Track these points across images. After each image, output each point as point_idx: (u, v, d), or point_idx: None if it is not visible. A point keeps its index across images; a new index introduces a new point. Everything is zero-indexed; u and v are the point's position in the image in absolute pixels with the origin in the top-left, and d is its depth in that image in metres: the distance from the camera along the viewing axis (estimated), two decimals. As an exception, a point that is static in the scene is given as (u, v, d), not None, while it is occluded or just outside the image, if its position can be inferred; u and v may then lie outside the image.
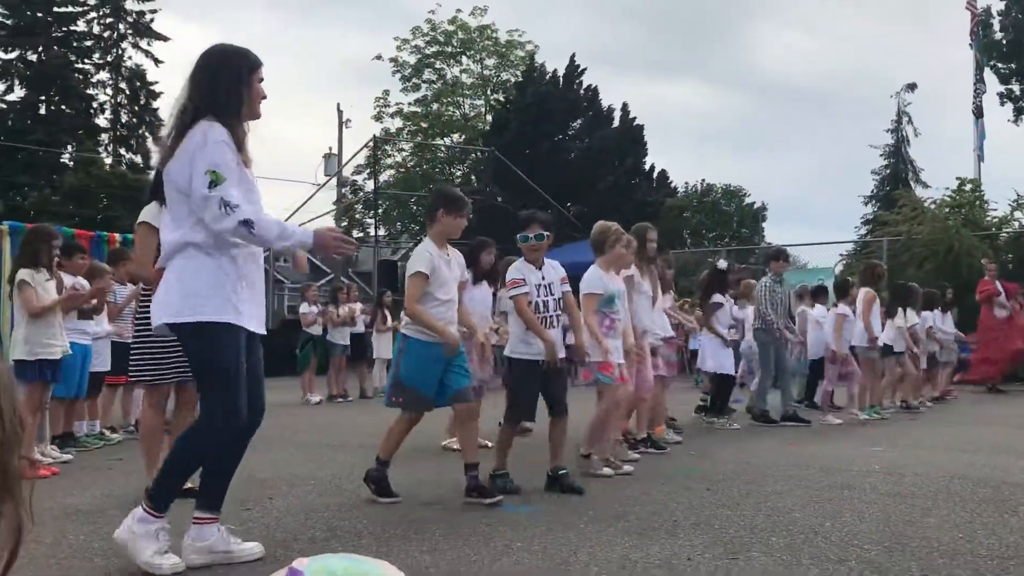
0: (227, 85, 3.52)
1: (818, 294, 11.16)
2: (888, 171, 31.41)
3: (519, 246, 5.37)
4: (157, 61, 33.90)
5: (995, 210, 19.21)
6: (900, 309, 9.99)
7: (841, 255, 21.44)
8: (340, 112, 32.06)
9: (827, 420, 8.90)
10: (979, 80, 24.21)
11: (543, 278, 5.27)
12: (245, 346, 3.55)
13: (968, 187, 19.44)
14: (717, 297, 8.56)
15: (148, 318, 3.95)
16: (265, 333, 3.79)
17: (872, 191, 31.27)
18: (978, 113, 23.66)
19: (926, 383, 11.36)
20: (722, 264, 9.60)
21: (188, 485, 4.45)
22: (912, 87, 31.38)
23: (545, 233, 5.28)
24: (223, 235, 3.40)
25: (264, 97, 3.65)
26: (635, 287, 6.65)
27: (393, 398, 4.87)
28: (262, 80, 3.65)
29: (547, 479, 5.20)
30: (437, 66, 34.59)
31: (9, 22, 31.94)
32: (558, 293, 5.29)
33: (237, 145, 3.48)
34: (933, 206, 18.95)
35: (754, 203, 29.78)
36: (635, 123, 28.83)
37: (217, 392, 3.49)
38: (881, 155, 31.72)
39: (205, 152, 3.37)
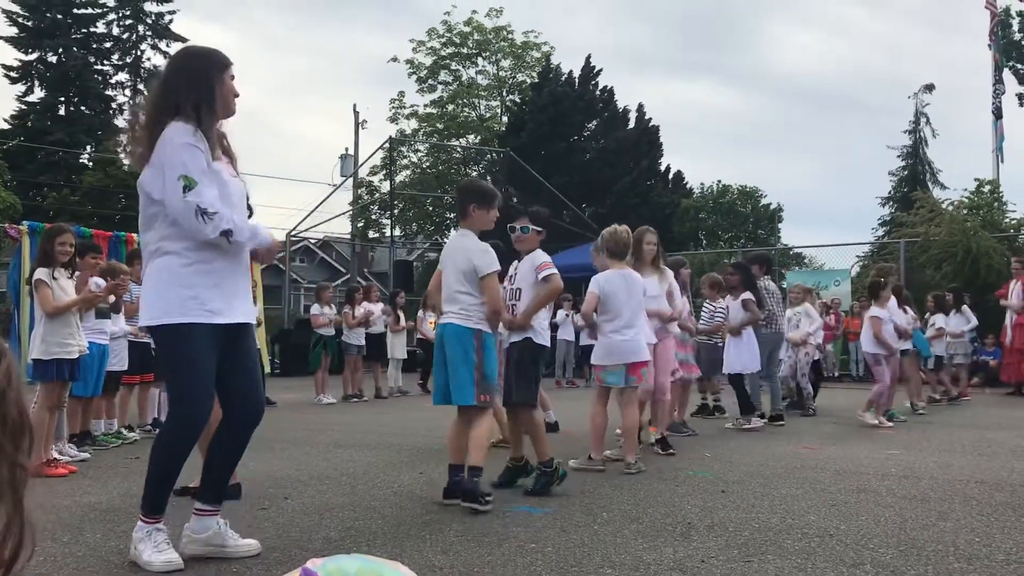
0: (198, 85, 3.55)
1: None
2: (906, 172, 31.20)
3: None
4: (175, 62, 34.04)
5: (1014, 211, 19.09)
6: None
7: (858, 256, 21.34)
8: (356, 113, 32.22)
9: (865, 418, 8.89)
10: (998, 81, 24.02)
11: (515, 270, 5.48)
12: (223, 341, 3.59)
13: (987, 188, 19.30)
14: (748, 294, 8.68)
15: None
16: (254, 323, 3.90)
17: (889, 192, 31.07)
18: (997, 114, 23.49)
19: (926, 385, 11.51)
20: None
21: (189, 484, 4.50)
22: (930, 88, 31.16)
23: (529, 226, 5.40)
24: (202, 240, 3.47)
25: (237, 95, 3.66)
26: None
27: (482, 396, 4.77)
28: (233, 78, 3.67)
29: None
30: (453, 67, 34.63)
31: (29, 23, 32.23)
32: (518, 284, 5.38)
33: (211, 144, 3.53)
34: (951, 207, 18.81)
35: (770, 204, 29.67)
36: (651, 124, 28.80)
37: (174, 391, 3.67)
38: (899, 156, 31.54)
39: (175, 157, 3.41)
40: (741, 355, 8.66)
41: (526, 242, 5.43)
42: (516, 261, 5.53)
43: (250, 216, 3.86)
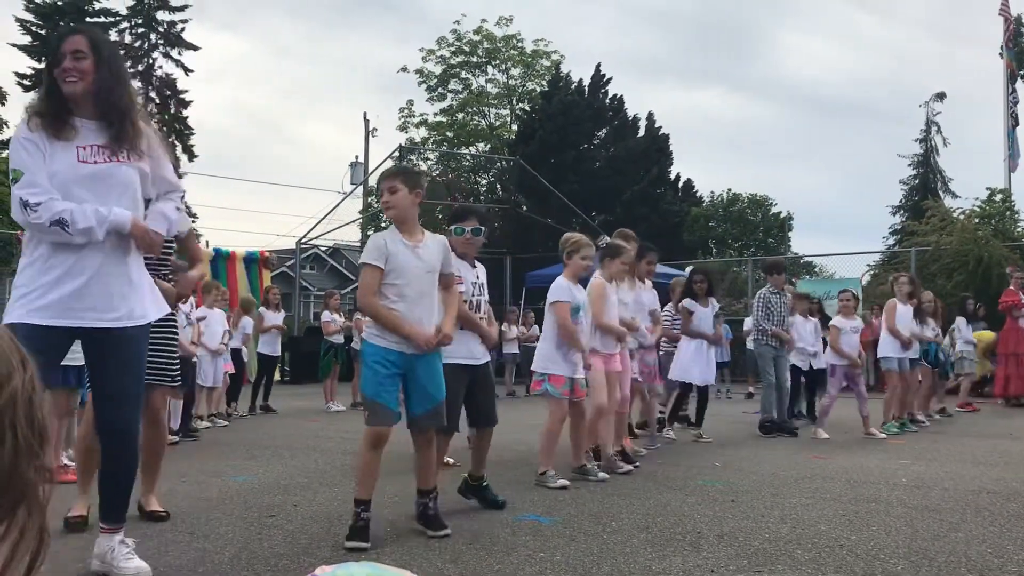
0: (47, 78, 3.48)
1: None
2: (917, 181, 31.15)
3: (451, 239, 4.74)
4: (187, 70, 34.33)
5: (1026, 220, 19.03)
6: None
7: (868, 265, 21.29)
8: (367, 121, 32.31)
9: (819, 434, 8.70)
10: (1013, 89, 23.95)
11: (478, 277, 5.08)
12: (85, 344, 3.40)
13: (998, 197, 19.23)
14: (688, 302, 8.52)
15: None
16: (117, 327, 3.35)
17: (900, 201, 31.03)
18: (1015, 120, 23.41)
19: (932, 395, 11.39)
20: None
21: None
22: (941, 96, 31.14)
23: (482, 228, 4.98)
24: (40, 233, 3.25)
25: (70, 70, 3.35)
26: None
27: (363, 410, 4.27)
28: (70, 53, 3.39)
29: (464, 485, 5.07)
30: (463, 76, 34.72)
31: (43, 32, 32.45)
32: (486, 295, 5.12)
33: (60, 130, 3.29)
34: (962, 216, 18.75)
35: (780, 212, 29.67)
36: (661, 132, 28.80)
37: None
38: (910, 165, 31.50)
39: (10, 153, 3.34)
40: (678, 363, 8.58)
41: (477, 245, 5.06)
42: (469, 266, 5.02)
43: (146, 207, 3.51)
